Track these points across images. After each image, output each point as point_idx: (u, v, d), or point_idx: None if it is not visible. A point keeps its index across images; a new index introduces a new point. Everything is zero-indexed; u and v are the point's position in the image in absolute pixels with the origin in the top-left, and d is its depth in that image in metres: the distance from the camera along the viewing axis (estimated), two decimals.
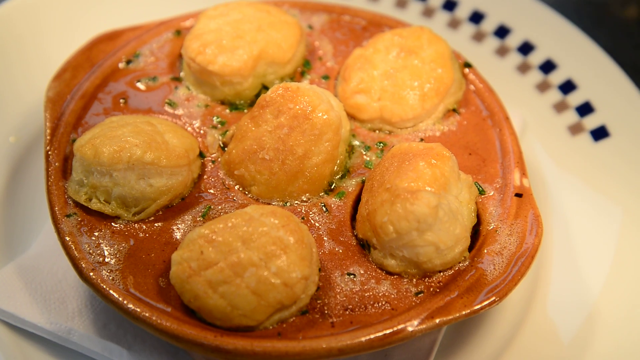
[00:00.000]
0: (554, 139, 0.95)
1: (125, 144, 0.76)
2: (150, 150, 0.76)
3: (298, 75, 0.89)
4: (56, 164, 0.81)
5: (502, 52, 1.03)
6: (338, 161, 0.80)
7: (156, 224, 0.77)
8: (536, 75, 1.01)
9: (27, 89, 0.98)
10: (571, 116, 0.96)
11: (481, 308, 0.71)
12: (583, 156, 0.93)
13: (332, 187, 0.80)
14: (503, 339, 0.83)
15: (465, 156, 0.82)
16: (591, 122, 0.95)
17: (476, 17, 1.06)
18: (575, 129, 0.96)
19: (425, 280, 0.74)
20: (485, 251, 0.75)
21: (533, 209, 0.77)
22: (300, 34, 0.89)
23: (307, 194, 0.79)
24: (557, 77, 0.99)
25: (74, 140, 0.83)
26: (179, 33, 0.92)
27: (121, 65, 0.89)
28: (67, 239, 0.76)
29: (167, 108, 0.86)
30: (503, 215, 0.77)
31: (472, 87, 0.88)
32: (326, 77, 0.89)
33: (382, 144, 0.83)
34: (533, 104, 0.98)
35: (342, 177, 0.81)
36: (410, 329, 0.70)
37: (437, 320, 0.71)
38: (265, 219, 0.72)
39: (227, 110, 0.86)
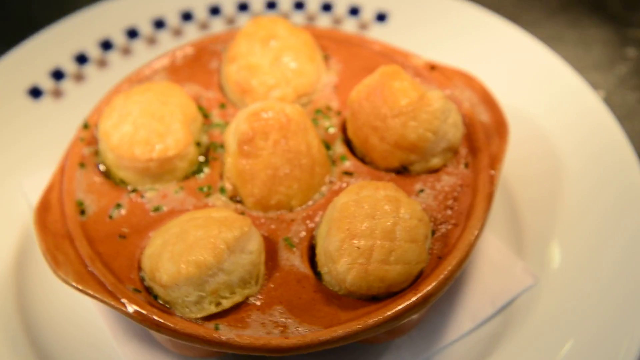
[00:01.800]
0: None
1: (211, 239, 0.79)
2: (231, 229, 0.80)
3: None
4: (153, 316, 0.80)
5: None
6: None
7: (278, 275, 0.83)
8: None
9: None
10: None
11: None
12: None
13: (333, 159, 0.92)
14: None
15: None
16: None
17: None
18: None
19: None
20: None
21: None
22: None
23: (327, 176, 0.90)
24: None
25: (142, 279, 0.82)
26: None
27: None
28: (252, 342, 0.78)
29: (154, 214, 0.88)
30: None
31: None
32: None
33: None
34: None
35: (328, 148, 0.93)
36: None
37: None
38: (363, 194, 0.83)
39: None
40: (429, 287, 0.80)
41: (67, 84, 1.09)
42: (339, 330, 0.78)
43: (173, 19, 1.15)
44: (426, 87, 0.95)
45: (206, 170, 0.91)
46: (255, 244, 0.82)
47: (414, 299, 0.80)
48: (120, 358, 0.89)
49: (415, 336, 0.89)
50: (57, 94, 1.08)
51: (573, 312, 0.88)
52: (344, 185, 0.89)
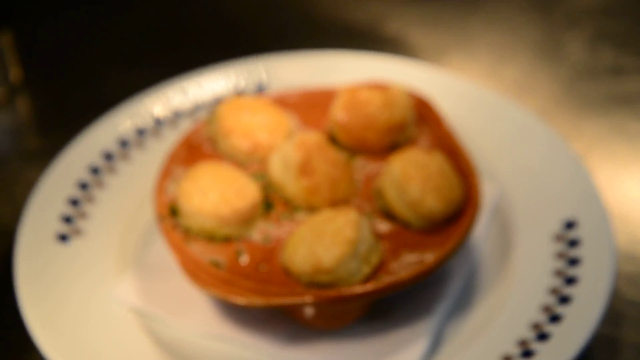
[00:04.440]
0: None
1: (345, 223, 1.07)
2: (349, 213, 1.10)
3: None
4: (343, 294, 1.06)
5: None
6: None
7: (384, 239, 1.13)
8: None
9: None
10: None
11: None
12: None
13: None
14: None
15: None
16: None
17: None
18: None
19: None
20: None
21: None
22: None
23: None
24: None
25: None
26: None
27: None
28: (409, 274, 1.07)
29: None
30: None
31: None
32: None
33: None
34: None
35: None
36: None
37: None
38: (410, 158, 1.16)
39: None
40: (478, 194, 1.15)
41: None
42: (456, 239, 1.10)
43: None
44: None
45: (272, 205, 1.17)
46: (363, 220, 1.11)
47: (478, 201, 1.14)
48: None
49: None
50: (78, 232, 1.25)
51: None
52: (367, 172, 1.21)
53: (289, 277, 1.08)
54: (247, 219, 1.14)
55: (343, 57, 1.49)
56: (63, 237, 1.23)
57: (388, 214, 1.15)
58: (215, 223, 1.13)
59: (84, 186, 1.30)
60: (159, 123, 1.41)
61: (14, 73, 1.58)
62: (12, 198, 1.38)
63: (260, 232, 1.14)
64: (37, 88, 1.61)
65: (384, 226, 1.14)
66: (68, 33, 1.73)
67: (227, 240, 1.13)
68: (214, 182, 1.15)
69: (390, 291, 1.06)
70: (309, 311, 1.11)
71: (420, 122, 1.27)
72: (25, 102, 1.59)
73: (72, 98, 1.59)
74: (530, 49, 1.62)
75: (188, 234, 1.14)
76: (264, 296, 1.05)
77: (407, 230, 1.13)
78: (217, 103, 1.42)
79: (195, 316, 1.15)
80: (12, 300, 1.16)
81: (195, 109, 1.44)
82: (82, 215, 1.27)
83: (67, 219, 1.26)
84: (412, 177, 1.13)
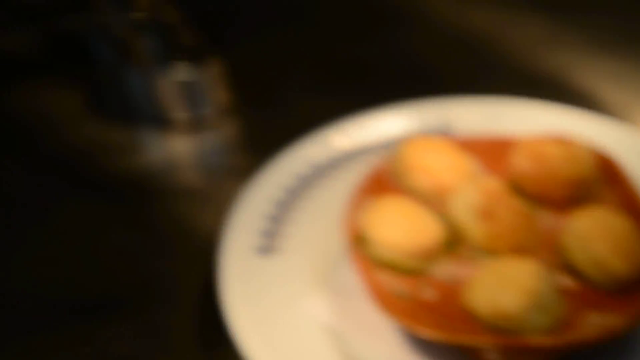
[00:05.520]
0: None
1: (529, 270, 1.14)
2: (530, 262, 1.17)
3: None
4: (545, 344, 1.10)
5: None
6: None
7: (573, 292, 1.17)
8: None
9: None
10: None
11: None
12: None
13: None
14: None
15: None
16: None
17: None
18: None
19: None
20: None
21: None
22: None
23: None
24: None
25: None
26: None
27: None
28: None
29: None
30: None
31: None
32: None
33: None
34: None
35: None
36: None
37: None
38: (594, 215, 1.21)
39: None
40: None
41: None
42: None
43: None
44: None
45: (454, 245, 1.25)
46: (547, 272, 1.16)
47: None
48: None
49: None
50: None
51: None
52: (548, 224, 1.26)
53: (470, 318, 1.15)
54: (430, 256, 1.22)
55: (527, 105, 1.56)
56: (264, 251, 1.34)
57: (571, 270, 1.20)
58: (399, 255, 1.22)
59: (280, 204, 1.42)
60: (346, 155, 1.51)
61: (224, 98, 1.72)
62: (218, 209, 1.49)
63: (442, 269, 1.22)
64: (241, 112, 1.75)
65: (566, 281, 1.18)
66: (268, 61, 1.86)
67: (410, 273, 1.22)
68: (400, 217, 1.24)
69: (573, 349, 1.11)
70: (489, 355, 1.16)
71: (604, 181, 1.31)
72: (232, 125, 1.73)
73: (270, 122, 1.72)
74: None
75: (375, 262, 1.23)
76: (447, 332, 1.12)
77: (590, 288, 1.17)
78: (401, 140, 1.50)
79: (381, 340, 1.23)
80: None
81: (382, 144, 1.53)
82: (278, 232, 1.38)
83: (267, 234, 1.37)
84: (598, 236, 1.17)
